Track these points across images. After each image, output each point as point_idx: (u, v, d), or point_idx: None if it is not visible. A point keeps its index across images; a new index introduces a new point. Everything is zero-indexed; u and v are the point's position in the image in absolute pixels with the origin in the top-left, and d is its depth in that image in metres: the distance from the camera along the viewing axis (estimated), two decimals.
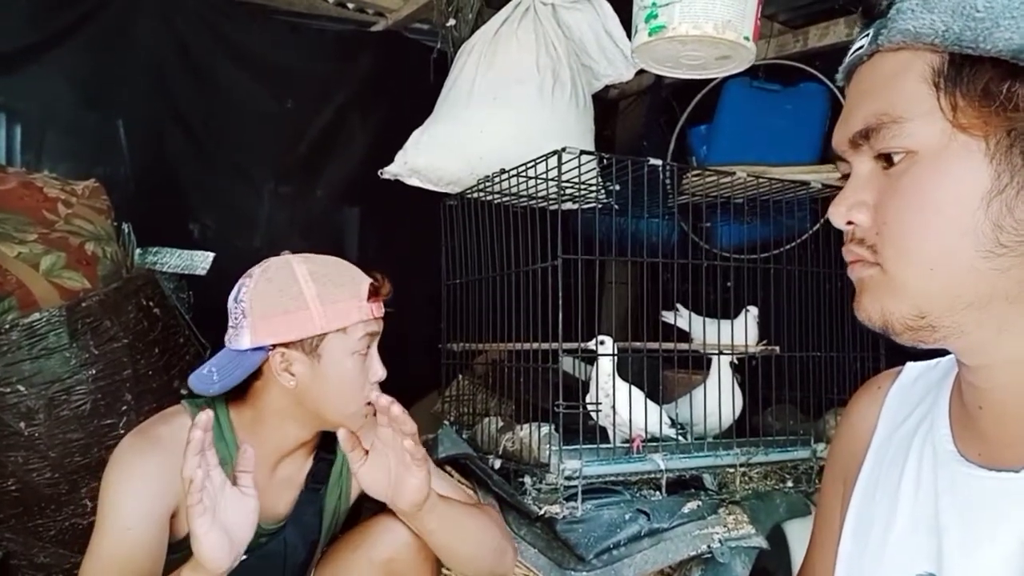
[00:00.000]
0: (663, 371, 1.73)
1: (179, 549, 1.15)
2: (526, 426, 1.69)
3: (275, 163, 2.41)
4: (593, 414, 1.62)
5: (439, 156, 1.94)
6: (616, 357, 1.64)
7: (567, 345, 1.58)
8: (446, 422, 1.95)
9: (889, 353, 1.74)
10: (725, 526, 1.56)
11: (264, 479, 1.22)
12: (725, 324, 1.84)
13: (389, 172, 1.99)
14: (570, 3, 2.01)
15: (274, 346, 1.18)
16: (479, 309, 1.86)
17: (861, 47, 0.62)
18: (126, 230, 1.77)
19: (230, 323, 1.22)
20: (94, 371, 1.51)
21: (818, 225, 1.99)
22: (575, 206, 1.90)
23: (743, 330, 1.82)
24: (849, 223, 0.62)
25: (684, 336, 1.89)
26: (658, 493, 1.61)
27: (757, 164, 2.01)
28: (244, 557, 1.02)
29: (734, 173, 1.83)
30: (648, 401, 1.63)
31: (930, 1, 0.56)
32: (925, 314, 0.58)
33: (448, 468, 1.65)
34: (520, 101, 1.91)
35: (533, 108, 1.91)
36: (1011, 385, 0.60)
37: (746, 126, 2.32)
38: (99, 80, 2.11)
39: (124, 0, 2.13)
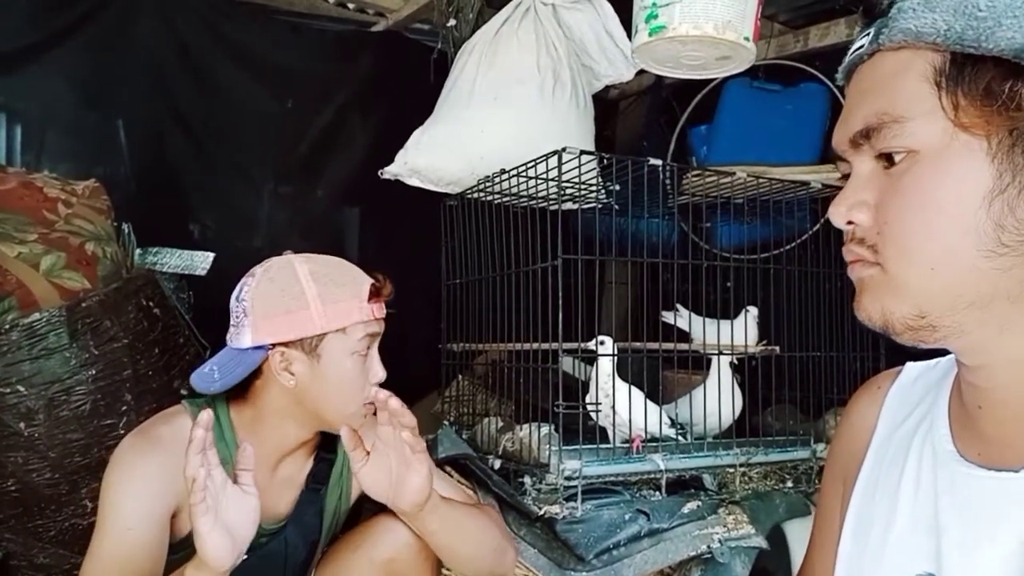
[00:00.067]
0: (663, 371, 1.73)
1: (180, 549, 1.15)
2: (526, 426, 1.69)
3: (275, 163, 2.41)
4: (593, 414, 1.62)
5: (439, 156, 1.94)
6: (616, 357, 1.64)
7: (567, 345, 1.58)
8: (446, 422, 1.95)
9: (889, 353, 1.74)
10: (725, 526, 1.56)
11: (265, 479, 1.22)
12: (725, 324, 1.84)
13: (389, 172, 1.99)
14: (571, 3, 2.01)
15: (274, 345, 1.18)
16: (479, 309, 1.86)
17: (862, 46, 0.61)
18: (126, 230, 1.77)
19: (231, 322, 1.22)
20: (94, 371, 1.51)
21: (818, 225, 1.99)
22: (575, 206, 1.90)
23: (743, 330, 1.82)
24: (849, 223, 0.62)
25: (684, 336, 1.89)
26: (658, 493, 1.61)
27: (757, 164, 2.01)
28: (245, 556, 1.02)
29: (734, 173, 1.83)
30: (648, 401, 1.63)
31: (932, 0, 0.56)
32: (926, 314, 0.58)
33: (448, 468, 1.65)
34: (520, 101, 1.91)
35: (533, 108, 1.91)
36: (1011, 385, 0.60)
37: (746, 126, 2.31)
38: (99, 80, 2.11)
39: (124, 0, 2.13)
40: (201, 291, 1.92)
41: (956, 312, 0.57)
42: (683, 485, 1.68)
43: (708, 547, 1.52)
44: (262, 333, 1.17)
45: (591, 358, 1.67)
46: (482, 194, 1.89)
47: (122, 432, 1.49)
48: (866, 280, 0.61)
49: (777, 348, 1.84)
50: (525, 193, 1.79)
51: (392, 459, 1.12)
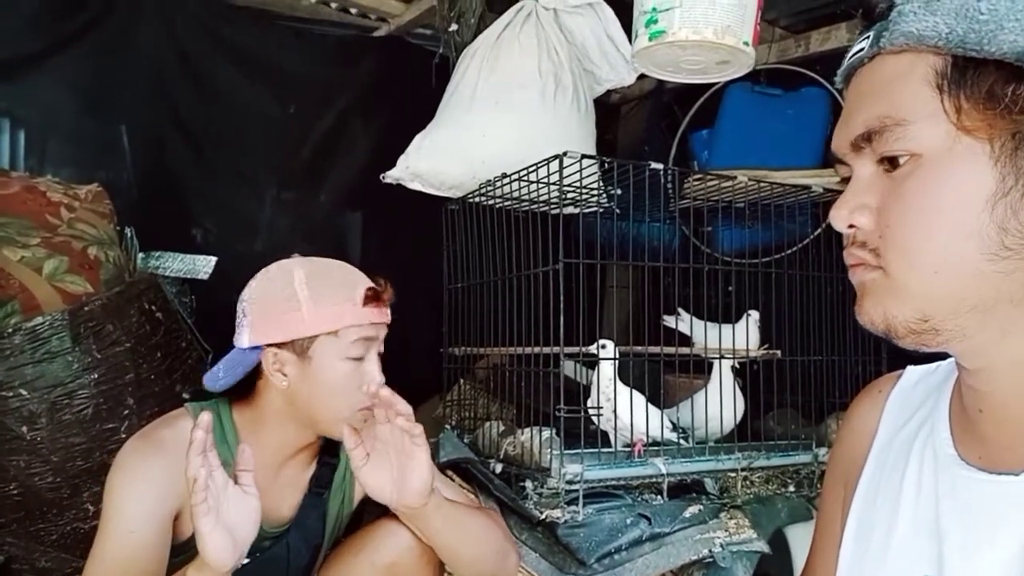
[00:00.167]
0: (664, 375, 1.73)
1: (182, 551, 1.15)
2: (527, 430, 1.69)
3: (277, 168, 2.41)
4: (594, 418, 1.62)
5: (441, 160, 1.95)
6: (617, 361, 1.64)
7: (568, 349, 1.58)
8: (447, 426, 1.95)
9: (891, 357, 1.74)
10: (727, 530, 1.56)
11: (267, 481, 1.22)
12: (726, 328, 1.84)
13: (391, 176, 2.00)
14: (572, 8, 2.02)
15: (268, 346, 1.19)
16: (481, 313, 1.86)
17: (861, 49, 0.61)
18: (129, 234, 1.78)
19: (236, 321, 1.24)
20: (96, 375, 1.51)
21: (820, 229, 1.99)
22: (577, 210, 1.91)
23: (744, 334, 1.82)
24: (851, 226, 0.62)
25: (685, 340, 1.89)
26: (659, 497, 1.60)
27: (759, 168, 2.01)
28: (247, 560, 1.02)
29: (735, 177, 1.84)
30: (649, 405, 1.63)
31: (932, 3, 0.56)
32: (928, 317, 0.58)
33: (449, 472, 1.65)
34: (522, 105, 1.92)
35: (535, 112, 1.92)
36: (1012, 388, 0.60)
37: (748, 130, 2.32)
38: (102, 86, 2.12)
39: (126, 6, 2.14)
40: (203, 295, 1.93)
41: (959, 316, 0.57)
42: (685, 489, 1.67)
43: (710, 551, 1.51)
44: (258, 333, 1.19)
45: (592, 362, 1.67)
46: (484, 198, 1.89)
47: (124, 436, 1.49)
48: (868, 284, 0.61)
49: (778, 352, 1.84)
50: (527, 197, 1.80)
51: (392, 455, 1.12)
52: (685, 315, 1.89)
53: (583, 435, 1.55)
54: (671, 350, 1.68)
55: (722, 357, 1.78)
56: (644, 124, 2.83)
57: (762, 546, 1.56)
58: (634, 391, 1.63)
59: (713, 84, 2.19)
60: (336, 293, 1.20)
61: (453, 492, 1.38)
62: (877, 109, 0.58)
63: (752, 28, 1.49)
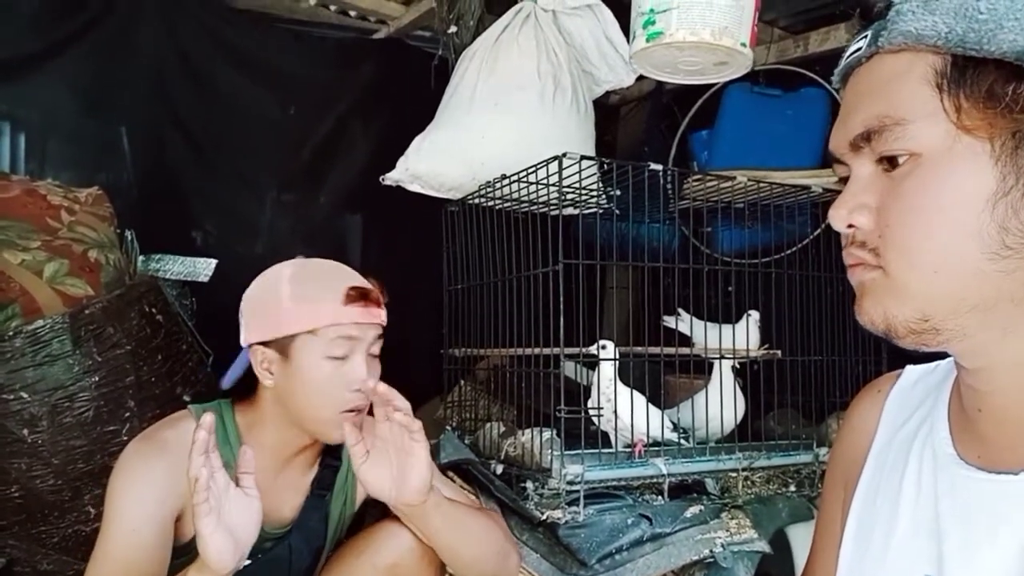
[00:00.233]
0: (665, 376, 1.73)
1: (184, 553, 1.15)
2: (528, 431, 1.69)
3: (277, 170, 2.42)
4: (595, 419, 1.62)
5: (440, 162, 1.95)
6: (617, 362, 1.64)
7: (568, 350, 1.58)
8: (448, 427, 1.95)
9: (891, 357, 1.74)
10: (728, 530, 1.56)
11: (267, 482, 1.22)
12: (727, 328, 1.84)
13: (391, 178, 2.00)
14: (571, 9, 2.02)
15: (256, 344, 1.21)
16: (481, 314, 1.86)
17: (859, 49, 0.61)
18: (129, 237, 1.78)
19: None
20: (97, 378, 1.51)
21: (819, 229, 1.99)
22: (576, 211, 1.91)
23: (744, 334, 1.82)
24: (850, 226, 0.61)
25: (685, 341, 1.89)
26: (660, 498, 1.60)
27: (758, 169, 2.01)
28: (248, 561, 1.02)
29: (735, 178, 1.84)
30: (650, 406, 1.63)
31: (931, 3, 0.56)
32: (928, 317, 0.58)
33: (450, 473, 1.65)
34: (521, 107, 1.92)
35: (534, 114, 1.92)
36: (1011, 388, 0.60)
37: (747, 131, 2.32)
38: (102, 88, 2.12)
39: (126, 8, 2.15)
40: (204, 298, 1.93)
41: (959, 315, 0.57)
42: (685, 489, 1.68)
43: (711, 551, 1.51)
44: (249, 332, 1.22)
45: (593, 363, 1.67)
46: (483, 199, 1.89)
47: (125, 439, 1.49)
48: (867, 284, 0.61)
49: (779, 352, 1.84)
50: (526, 198, 1.80)
51: (391, 452, 1.12)
52: (685, 315, 1.90)
53: (584, 436, 1.55)
54: (671, 350, 1.69)
55: (722, 357, 1.78)
56: (644, 125, 2.83)
57: (763, 546, 1.56)
58: (634, 392, 1.63)
59: (712, 85, 2.19)
60: (318, 292, 1.20)
61: (454, 493, 1.38)
62: (876, 108, 0.58)
63: (749, 29, 1.49)
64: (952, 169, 0.55)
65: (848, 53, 0.63)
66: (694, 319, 1.92)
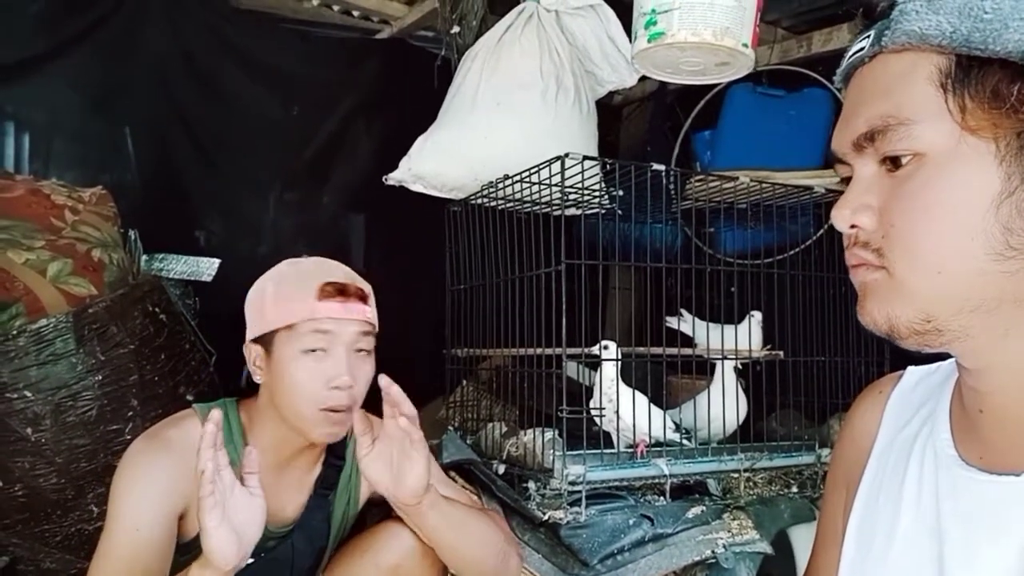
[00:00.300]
0: (667, 376, 1.73)
1: (187, 551, 1.15)
2: (530, 431, 1.69)
3: (281, 170, 2.42)
4: (597, 419, 1.62)
5: (443, 162, 1.95)
6: (620, 362, 1.64)
7: (571, 350, 1.58)
8: (450, 428, 1.95)
9: (893, 357, 1.74)
10: (729, 531, 1.55)
11: (270, 480, 1.22)
12: (729, 329, 1.84)
13: (393, 178, 2.00)
14: (573, 9, 2.02)
15: (248, 342, 1.24)
16: (483, 314, 1.86)
17: (861, 49, 0.61)
18: (132, 237, 1.78)
19: None
20: (100, 377, 1.52)
21: (822, 230, 1.99)
22: (579, 211, 1.91)
23: (747, 335, 1.82)
24: (853, 227, 0.61)
25: (688, 341, 1.89)
26: (662, 498, 1.60)
27: (761, 169, 2.01)
28: (251, 560, 1.03)
29: (738, 178, 1.84)
30: (652, 406, 1.63)
31: (935, 2, 0.56)
32: (932, 318, 0.58)
33: (452, 474, 1.65)
34: (524, 107, 1.92)
35: (537, 114, 1.92)
36: (1012, 388, 0.60)
37: (750, 131, 2.32)
38: (106, 88, 2.13)
39: (131, 8, 2.15)
40: (207, 297, 1.93)
41: (962, 316, 0.57)
42: (687, 490, 1.68)
43: (712, 552, 1.51)
44: (247, 329, 1.25)
45: (595, 363, 1.67)
46: (486, 200, 1.89)
47: (128, 438, 1.50)
48: (870, 284, 0.61)
49: (781, 353, 1.83)
50: (529, 198, 1.80)
51: (393, 451, 1.13)
52: (687, 316, 1.90)
53: (586, 436, 1.55)
54: (673, 351, 1.69)
55: (724, 358, 1.78)
56: (646, 125, 2.83)
57: (765, 547, 1.56)
58: (636, 392, 1.63)
59: (715, 85, 2.19)
60: (296, 288, 1.21)
61: (455, 493, 1.39)
62: (880, 108, 0.58)
63: (751, 30, 1.49)
64: (956, 169, 0.55)
65: (851, 53, 0.62)
66: (696, 320, 1.92)
